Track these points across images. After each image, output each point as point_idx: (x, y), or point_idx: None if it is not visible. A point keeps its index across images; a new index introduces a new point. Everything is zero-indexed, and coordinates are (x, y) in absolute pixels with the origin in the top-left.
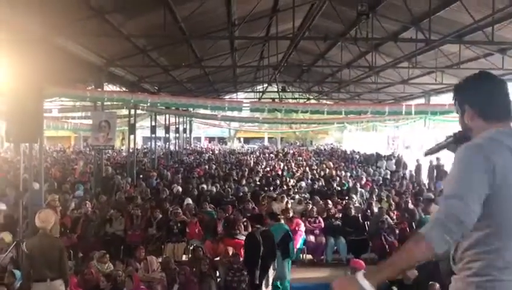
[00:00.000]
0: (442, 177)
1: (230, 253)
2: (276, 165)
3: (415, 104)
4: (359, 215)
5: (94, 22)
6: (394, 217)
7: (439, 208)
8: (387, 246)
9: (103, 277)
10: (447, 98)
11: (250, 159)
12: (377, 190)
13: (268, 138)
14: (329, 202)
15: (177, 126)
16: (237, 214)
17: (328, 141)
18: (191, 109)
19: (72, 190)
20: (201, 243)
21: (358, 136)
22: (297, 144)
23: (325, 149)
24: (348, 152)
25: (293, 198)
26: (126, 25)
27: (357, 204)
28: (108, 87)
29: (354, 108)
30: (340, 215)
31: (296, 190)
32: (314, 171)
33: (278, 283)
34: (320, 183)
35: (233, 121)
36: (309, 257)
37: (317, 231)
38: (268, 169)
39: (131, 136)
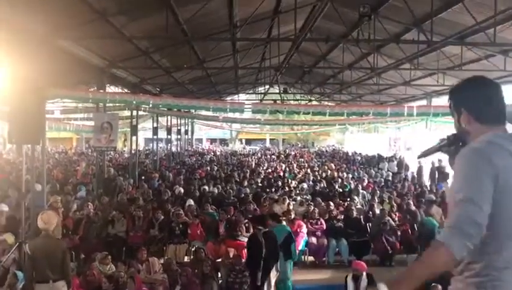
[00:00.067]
0: (443, 178)
1: (231, 254)
2: (277, 167)
3: (416, 105)
4: (361, 217)
5: (97, 24)
6: (396, 218)
7: (453, 214)
8: (388, 248)
9: (105, 278)
10: None
11: (252, 160)
12: (378, 192)
13: (270, 139)
14: (331, 203)
15: (178, 128)
16: (239, 215)
17: (329, 142)
18: (193, 111)
19: (74, 191)
20: (203, 245)
21: (360, 138)
22: (299, 145)
23: (326, 151)
24: (350, 154)
25: (294, 199)
26: (128, 26)
27: (358, 206)
28: (111, 89)
29: (355, 109)
30: (342, 217)
31: (297, 192)
32: (316, 173)
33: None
34: (322, 185)
35: (234, 122)
36: (311, 258)
37: (319, 233)
38: (270, 170)
39: (133, 138)
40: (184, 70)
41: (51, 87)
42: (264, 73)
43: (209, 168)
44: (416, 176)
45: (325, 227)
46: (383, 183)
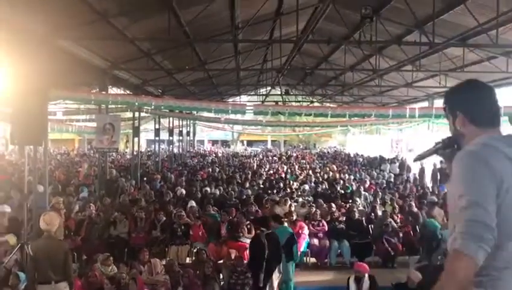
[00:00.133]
0: (445, 180)
1: (233, 256)
2: (279, 168)
3: (418, 107)
4: (363, 218)
5: (98, 24)
6: (398, 220)
7: (461, 221)
8: (390, 249)
9: (107, 280)
10: None
11: (254, 162)
12: (380, 193)
13: (272, 140)
14: (333, 205)
15: (180, 129)
16: (240, 217)
17: (331, 144)
18: (195, 112)
19: (76, 193)
20: (204, 246)
21: (361, 139)
22: (301, 147)
23: (328, 152)
24: (352, 155)
25: (296, 201)
26: (131, 28)
27: (360, 207)
28: (113, 90)
29: (357, 111)
30: (344, 219)
31: (299, 193)
32: (318, 174)
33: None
34: (324, 187)
35: (236, 124)
36: (313, 260)
37: (320, 234)
38: (271, 172)
39: (135, 139)
40: (186, 71)
41: (53, 89)
42: (265, 75)
43: (210, 169)
44: (418, 177)
45: (326, 229)
46: (384, 185)
